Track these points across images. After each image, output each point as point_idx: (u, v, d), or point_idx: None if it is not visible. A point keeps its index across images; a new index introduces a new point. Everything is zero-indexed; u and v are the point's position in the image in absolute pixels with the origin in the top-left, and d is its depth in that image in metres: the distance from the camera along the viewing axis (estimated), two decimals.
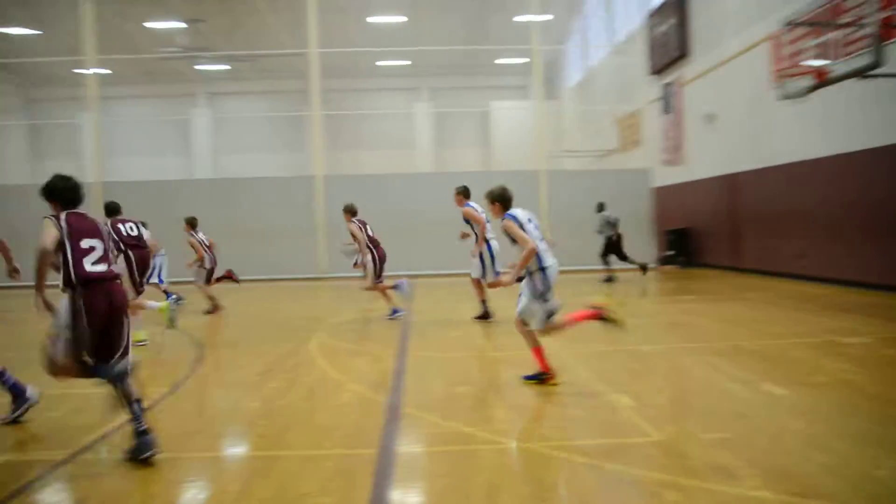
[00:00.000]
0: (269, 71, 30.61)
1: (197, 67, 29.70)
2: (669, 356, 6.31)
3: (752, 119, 13.72)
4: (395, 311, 9.10)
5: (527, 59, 28.52)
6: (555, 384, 5.07)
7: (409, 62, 29.68)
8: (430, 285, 14.49)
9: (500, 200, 5.42)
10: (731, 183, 14.77)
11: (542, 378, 5.09)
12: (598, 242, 14.64)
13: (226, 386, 5.58)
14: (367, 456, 3.68)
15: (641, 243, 17.60)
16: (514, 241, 5.06)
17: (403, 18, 23.89)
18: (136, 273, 7.39)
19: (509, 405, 4.63)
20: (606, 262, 14.34)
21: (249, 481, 3.38)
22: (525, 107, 29.13)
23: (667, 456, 3.57)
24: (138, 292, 7.40)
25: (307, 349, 7.04)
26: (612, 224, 14.16)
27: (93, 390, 5.53)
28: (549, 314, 4.97)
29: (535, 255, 4.93)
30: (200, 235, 10.70)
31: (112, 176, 26.32)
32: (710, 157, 15.57)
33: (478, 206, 8.66)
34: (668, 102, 17.48)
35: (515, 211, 5.24)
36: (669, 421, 4.19)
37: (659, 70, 18.04)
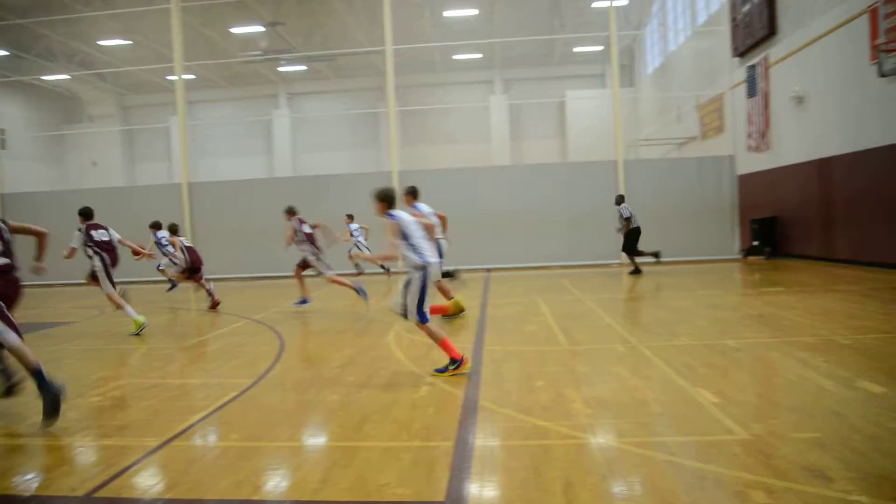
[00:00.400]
0: (345, 70, 31.26)
1: (278, 69, 30.63)
2: (755, 351, 6.05)
3: (846, 100, 12.95)
4: (303, 301, 10.42)
5: (603, 47, 28.00)
6: (467, 370, 5.44)
7: (482, 55, 29.61)
8: (507, 279, 14.46)
9: (384, 200, 5.78)
10: (822, 168, 14.01)
11: (456, 365, 5.41)
12: (673, 233, 14.19)
13: (306, 378, 5.75)
14: (444, 448, 3.72)
15: (724, 233, 16.96)
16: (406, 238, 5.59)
17: (476, 11, 23.85)
18: (109, 270, 8.78)
19: (586, 400, 4.57)
20: (634, 255, 14.14)
21: (330, 470, 3.48)
22: (602, 95, 28.57)
23: (754, 455, 3.43)
24: (113, 286, 8.82)
25: (385, 343, 7.16)
26: (626, 219, 13.87)
27: (187, 381, 5.82)
28: (423, 315, 5.49)
29: (417, 253, 5.52)
30: (181, 239, 11.67)
31: (199, 176, 27.63)
32: (799, 142, 14.81)
33: (425, 207, 8.91)
34: (754, 85, 16.72)
35: (400, 213, 5.71)
36: (756, 418, 4.03)
37: (743, 52, 17.28)
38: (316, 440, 4.18)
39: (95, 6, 21.24)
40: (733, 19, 17.57)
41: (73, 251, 8.82)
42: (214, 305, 10.95)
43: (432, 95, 31.29)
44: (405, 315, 5.51)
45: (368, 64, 29.91)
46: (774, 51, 15.69)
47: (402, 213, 5.73)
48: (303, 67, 30.43)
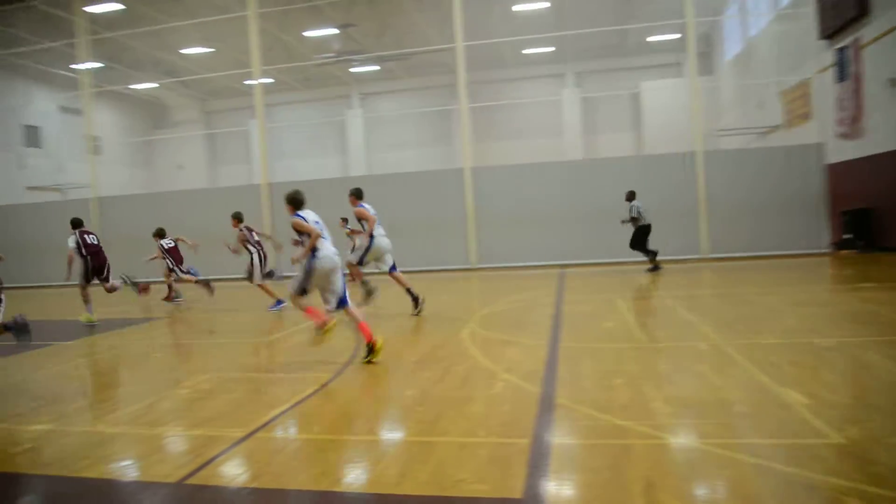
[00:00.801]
0: (417, 68, 31.50)
1: (351, 70, 31.18)
2: (848, 350, 5.74)
3: None
4: (278, 303, 10.60)
5: (679, 35, 27.13)
6: (379, 350, 6.12)
7: (553, 48, 29.23)
8: (583, 275, 14.25)
9: (291, 203, 6.67)
10: None
11: (369, 347, 6.10)
12: (756, 226, 13.68)
13: (383, 373, 5.85)
14: (521, 446, 3.71)
15: (812, 226, 16.16)
16: (300, 233, 6.40)
17: (547, 4, 23.56)
18: (90, 272, 10.28)
19: (667, 399, 4.45)
20: (645, 252, 14.04)
21: (408, 465, 3.52)
22: (678, 85, 27.69)
23: (848, 460, 3.25)
24: (84, 285, 10.32)
25: (460, 339, 7.19)
26: (633, 218, 13.78)
27: (269, 374, 6.02)
28: (301, 290, 6.35)
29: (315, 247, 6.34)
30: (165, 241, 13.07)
31: (277, 177, 28.45)
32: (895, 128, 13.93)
33: (369, 206, 9.72)
34: (844, 69, 15.82)
35: (305, 212, 6.56)
36: (851, 421, 3.82)
37: (831, 34, 16.36)
38: (393, 435, 4.24)
39: (179, 17, 22.20)
40: (819, 0, 16.67)
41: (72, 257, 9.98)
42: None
43: (503, 91, 31.14)
44: (293, 289, 6.43)
45: (439, 61, 30.05)
46: (866, 32, 14.79)
47: (305, 213, 6.57)
48: (375, 67, 30.87)
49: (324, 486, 3.32)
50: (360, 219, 9.61)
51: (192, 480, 3.48)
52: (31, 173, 27.19)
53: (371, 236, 9.47)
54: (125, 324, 10.30)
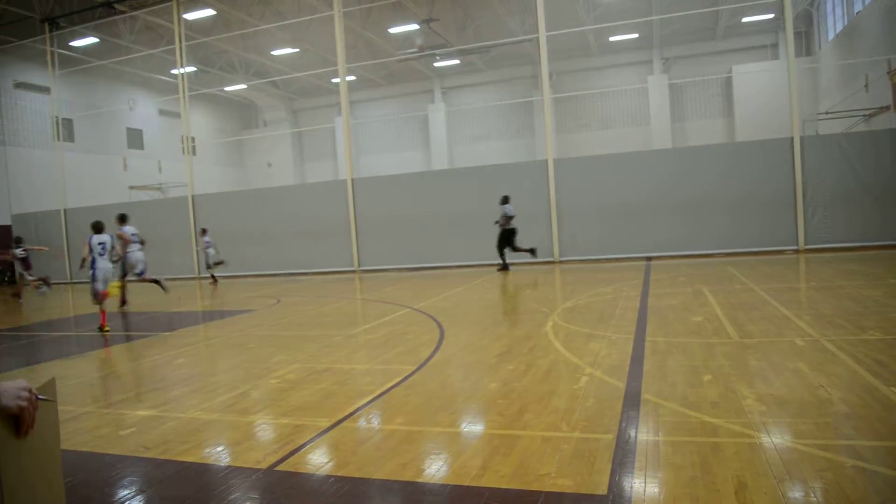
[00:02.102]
0: (499, 60, 31.38)
1: (433, 65, 31.39)
2: None
3: None
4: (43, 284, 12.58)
5: (774, 15, 25.78)
6: (107, 330, 9.37)
7: (638, 34, 28.38)
8: (670, 267, 13.83)
9: (93, 228, 10.16)
10: None
11: (100, 329, 9.46)
12: (860, 213, 13.05)
13: (466, 366, 5.87)
14: (606, 441, 3.63)
15: None
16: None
17: None
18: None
19: (760, 396, 4.25)
20: (503, 251, 15.22)
21: (490, 458, 3.52)
22: (774, 68, 26.34)
23: None
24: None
25: (543, 332, 7.12)
26: (509, 217, 14.89)
27: (354, 366, 6.16)
28: (95, 293, 9.88)
29: (95, 260, 10.00)
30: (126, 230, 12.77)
31: (361, 172, 29.07)
32: None
33: (130, 229, 12.03)
34: None
35: (94, 236, 10.03)
36: None
37: None
38: (476, 427, 4.24)
39: (268, 19, 23.00)
40: None
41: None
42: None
43: (587, 80, 30.54)
44: (92, 296, 10.00)
45: (521, 53, 29.80)
46: None
47: (94, 236, 9.91)
48: (457, 61, 30.96)
49: (407, 477, 3.37)
50: (120, 238, 11.63)
51: (282, 467, 3.61)
52: (134, 173, 28.92)
53: (126, 252, 11.70)
54: (224, 315, 10.81)
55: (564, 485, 3.11)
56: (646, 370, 5.14)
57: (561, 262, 16.52)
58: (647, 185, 16.15)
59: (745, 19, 27.13)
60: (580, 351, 6.04)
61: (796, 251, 14.99)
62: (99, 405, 5.29)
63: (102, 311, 9.78)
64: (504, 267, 15.50)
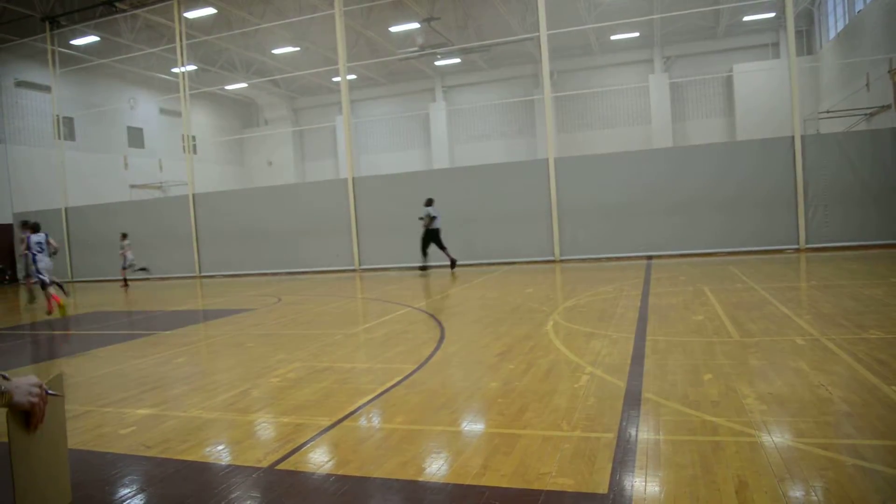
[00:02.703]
0: (500, 59, 31.38)
1: (434, 63, 31.38)
2: None
3: None
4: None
5: (775, 14, 25.76)
6: (50, 313, 11.28)
7: (639, 33, 28.37)
8: (671, 266, 13.83)
9: (27, 227, 11.86)
10: None
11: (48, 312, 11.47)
12: (860, 212, 13.16)
13: (467, 365, 5.87)
14: (606, 440, 3.63)
15: None
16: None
17: None
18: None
19: (761, 395, 4.25)
20: (425, 254, 15.71)
21: (491, 457, 3.52)
22: (775, 67, 26.33)
23: None
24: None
25: (543, 331, 7.12)
26: (432, 217, 15.40)
27: (355, 365, 6.16)
28: (42, 284, 11.90)
29: (35, 258, 11.92)
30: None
31: (363, 171, 29.06)
32: None
33: (35, 238, 12.54)
34: None
35: (32, 235, 11.94)
36: None
37: None
38: (477, 426, 4.24)
39: (269, 18, 22.99)
40: None
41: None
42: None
43: (588, 79, 30.54)
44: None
45: (522, 52, 29.79)
46: None
47: (32, 235, 11.74)
48: (458, 60, 30.95)
49: (408, 476, 3.37)
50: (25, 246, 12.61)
51: (283, 466, 3.62)
52: (134, 172, 28.93)
53: (34, 258, 12.31)
54: (224, 314, 10.81)
55: (565, 484, 3.11)
56: (646, 369, 5.14)
57: (561, 261, 16.52)
58: (648, 184, 16.15)
59: (745, 18, 27.13)
60: (581, 350, 6.04)
61: (797, 250, 14.99)
62: (100, 404, 5.29)
63: (49, 298, 11.82)
64: (424, 268, 15.97)
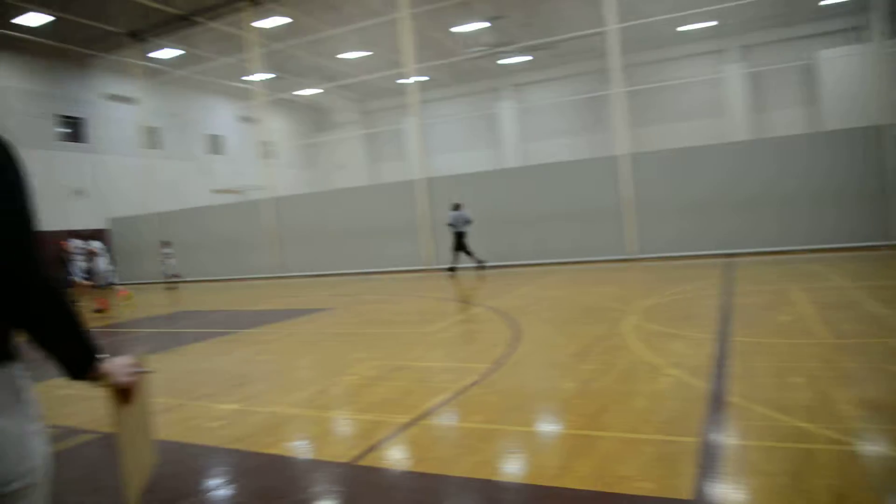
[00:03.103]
0: (567, 55, 30.97)
1: (501, 62, 31.27)
2: None
3: None
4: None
5: None
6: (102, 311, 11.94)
7: (714, 22, 27.37)
8: (753, 264, 13.33)
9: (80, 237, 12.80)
10: None
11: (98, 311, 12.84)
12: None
13: (542, 365, 5.82)
14: (689, 444, 3.54)
15: None
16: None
17: None
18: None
19: (858, 401, 4.03)
20: (456, 257, 16.21)
21: (569, 458, 3.48)
22: (861, 52, 24.95)
23: None
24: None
25: (620, 331, 6.99)
26: (467, 221, 16.05)
27: (431, 364, 6.21)
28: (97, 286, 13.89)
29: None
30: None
31: (432, 172, 29.24)
32: None
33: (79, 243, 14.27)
34: None
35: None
36: None
37: None
38: (553, 427, 4.21)
39: (337, 24, 23.47)
40: None
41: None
42: None
43: (659, 72, 29.75)
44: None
45: (590, 47, 29.29)
46: None
47: (73, 240, 12.00)
48: (525, 58, 30.74)
49: (485, 475, 3.37)
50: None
51: (362, 462, 3.69)
52: (215, 178, 30.12)
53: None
54: (302, 313, 11.11)
55: (646, 488, 3.04)
56: (730, 371, 4.97)
57: (636, 259, 16.17)
58: (726, 179, 15.58)
59: (824, 2, 25.81)
60: (660, 350, 5.89)
61: (889, 246, 14.15)
62: (190, 398, 5.53)
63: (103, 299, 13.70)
64: (452, 269, 16.55)
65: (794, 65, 27.36)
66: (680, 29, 27.60)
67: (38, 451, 1.42)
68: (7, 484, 1.34)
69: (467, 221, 16.22)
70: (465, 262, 16.51)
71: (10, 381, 1.40)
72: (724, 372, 4.96)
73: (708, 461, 3.29)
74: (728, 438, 3.60)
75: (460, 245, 16.22)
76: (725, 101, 29.07)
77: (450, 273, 16.54)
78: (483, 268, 16.40)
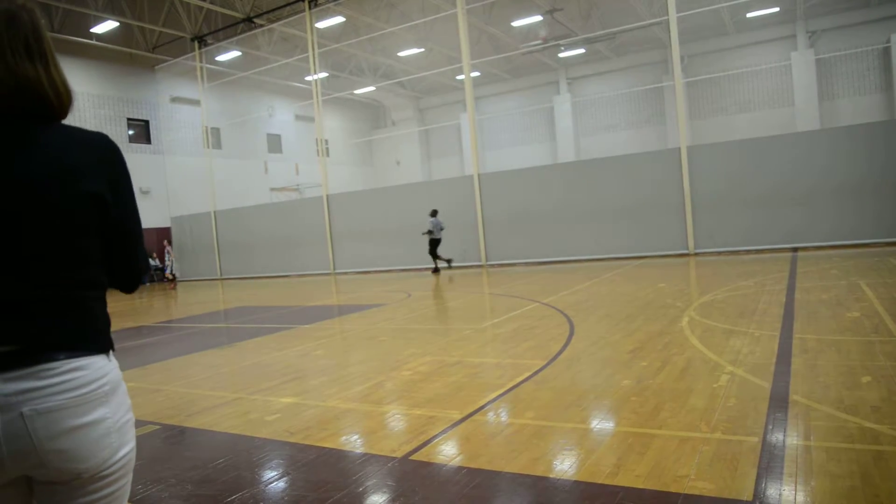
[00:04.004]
0: (625, 47, 30.40)
1: (557, 55, 30.94)
2: None
3: None
4: None
5: None
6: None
7: (779, 8, 26.34)
8: (819, 258, 12.82)
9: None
10: None
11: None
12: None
13: (597, 362, 5.74)
14: (750, 444, 3.42)
15: None
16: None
17: None
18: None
19: None
20: (435, 258, 17.57)
21: (625, 456, 3.42)
22: None
23: None
24: None
25: (678, 328, 6.83)
26: (429, 231, 17.32)
27: (484, 360, 6.21)
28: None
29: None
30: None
31: (487, 167, 29.22)
32: None
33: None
34: None
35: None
36: None
37: None
38: (609, 424, 4.14)
39: (394, 22, 23.66)
40: None
41: None
42: None
43: (722, 61, 28.84)
44: None
45: (650, 37, 28.68)
46: None
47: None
48: (582, 50, 30.31)
49: (539, 472, 3.35)
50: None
51: (416, 457, 3.71)
52: (274, 176, 30.84)
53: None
54: (356, 309, 11.27)
55: (705, 488, 2.96)
56: (794, 369, 4.79)
57: (696, 254, 15.76)
58: (793, 171, 15.00)
59: None
60: (719, 348, 5.73)
61: None
62: (248, 392, 5.68)
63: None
64: (436, 270, 17.87)
65: (868, 49, 26.11)
66: (748, 15, 26.63)
67: (131, 438, 1.50)
68: (107, 467, 1.41)
69: (442, 228, 17.54)
70: (430, 263, 18.02)
71: (113, 370, 1.48)
72: (787, 370, 4.78)
73: (769, 462, 3.18)
74: (791, 439, 3.47)
75: (434, 248, 17.53)
76: (793, 90, 27.98)
77: (436, 272, 17.77)
78: (438, 270, 17.82)
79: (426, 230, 17.48)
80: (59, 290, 1.38)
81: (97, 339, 1.45)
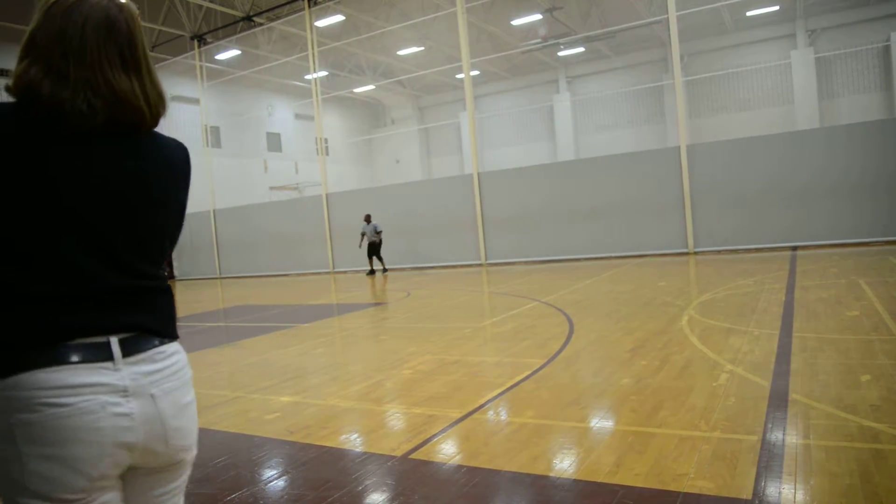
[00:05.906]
0: (625, 45, 30.39)
1: (557, 54, 30.92)
2: None
3: None
4: None
5: None
6: None
7: (779, 6, 26.30)
8: (819, 257, 12.82)
9: None
10: None
11: None
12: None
13: (597, 360, 5.74)
14: (749, 443, 3.43)
15: None
16: None
17: None
18: None
19: None
20: (372, 261, 18.59)
21: (624, 455, 3.42)
22: None
23: None
24: None
25: (678, 326, 6.84)
26: (363, 234, 18.38)
27: (484, 358, 6.20)
28: None
29: None
30: None
31: (487, 166, 29.20)
32: None
33: None
34: None
35: None
36: None
37: None
38: (608, 423, 4.14)
39: (393, 20, 23.64)
40: None
41: None
42: None
43: (722, 60, 28.80)
44: None
45: (649, 36, 28.68)
46: None
47: None
48: (581, 49, 30.28)
49: (538, 471, 3.35)
50: None
51: (415, 455, 3.71)
52: (273, 175, 30.82)
53: None
54: (357, 308, 11.27)
55: (704, 487, 2.96)
56: (793, 368, 4.79)
57: (696, 253, 15.77)
58: (792, 169, 15.00)
59: None
60: (719, 346, 5.73)
61: None
62: (247, 390, 5.68)
63: None
64: (372, 272, 18.84)
65: (868, 48, 26.09)
66: (748, 14, 26.59)
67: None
68: (189, 450, 1.49)
69: (378, 231, 18.21)
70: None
71: (185, 357, 1.54)
72: (786, 368, 4.79)
73: (769, 460, 3.19)
74: (790, 437, 3.47)
75: (375, 251, 18.36)
76: (792, 89, 27.95)
77: (370, 274, 18.68)
78: (375, 273, 18.82)
79: (368, 234, 18.31)
80: (154, 281, 1.48)
81: (176, 327, 1.55)
